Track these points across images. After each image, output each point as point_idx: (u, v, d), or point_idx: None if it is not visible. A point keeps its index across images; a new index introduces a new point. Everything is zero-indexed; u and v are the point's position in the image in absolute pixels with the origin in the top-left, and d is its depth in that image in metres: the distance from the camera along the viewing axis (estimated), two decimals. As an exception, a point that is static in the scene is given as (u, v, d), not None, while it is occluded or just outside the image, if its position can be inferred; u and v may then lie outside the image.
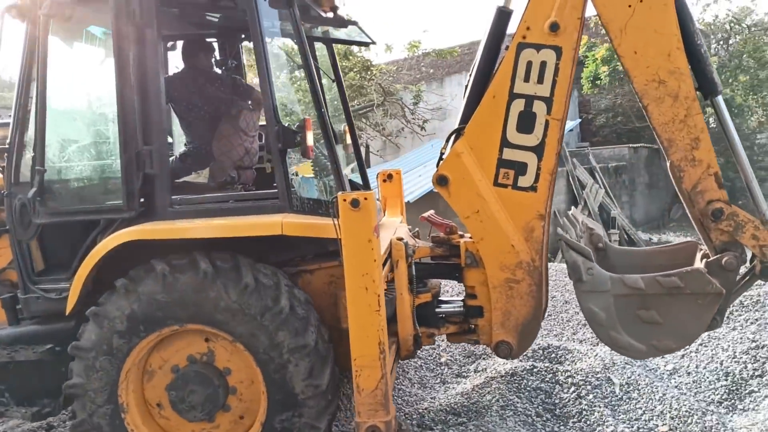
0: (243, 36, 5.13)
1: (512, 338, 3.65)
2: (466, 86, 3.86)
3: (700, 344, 5.27)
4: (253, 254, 3.53)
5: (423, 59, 21.04)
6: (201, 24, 4.75)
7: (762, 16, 19.18)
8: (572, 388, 4.72)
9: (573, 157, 16.53)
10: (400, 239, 3.75)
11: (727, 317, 5.42)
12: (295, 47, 3.88)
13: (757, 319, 5.55)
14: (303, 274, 3.81)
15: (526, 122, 3.59)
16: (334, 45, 4.95)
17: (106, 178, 3.86)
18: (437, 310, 3.97)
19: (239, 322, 3.40)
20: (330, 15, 4.53)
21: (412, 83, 20.87)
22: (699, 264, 3.56)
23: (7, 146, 3.71)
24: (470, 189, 3.65)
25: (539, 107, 3.58)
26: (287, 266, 3.76)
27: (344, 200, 3.18)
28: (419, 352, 5.11)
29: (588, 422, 4.35)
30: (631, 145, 19.03)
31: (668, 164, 3.50)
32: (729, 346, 5.10)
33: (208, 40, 4.92)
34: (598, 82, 19.01)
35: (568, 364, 5.13)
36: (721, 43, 18.53)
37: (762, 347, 4.93)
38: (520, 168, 3.63)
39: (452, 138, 3.75)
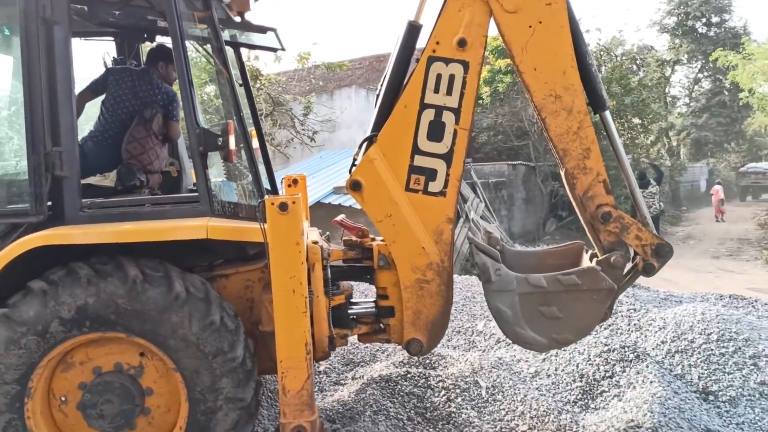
0: (145, 36, 5.00)
1: (423, 336, 3.81)
2: (378, 95, 4.02)
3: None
4: (168, 258, 3.45)
5: (313, 71, 21.12)
6: (107, 23, 4.58)
7: (630, 47, 20.94)
8: (443, 392, 4.94)
9: (457, 171, 17.21)
10: (315, 242, 3.82)
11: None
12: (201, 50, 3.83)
13: (609, 325, 6.06)
14: (218, 279, 3.76)
15: (436, 131, 3.79)
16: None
17: (10, 180, 3.63)
18: (349, 311, 4.06)
19: (189, 354, 3.32)
20: (237, 19, 4.53)
21: (301, 95, 20.89)
22: (587, 263, 3.91)
23: None
24: (383, 194, 3.79)
25: (448, 117, 3.80)
26: (202, 271, 3.70)
27: (272, 204, 3.22)
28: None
29: (456, 424, 4.56)
30: (510, 162, 20.11)
31: (563, 172, 3.83)
32: (584, 349, 5.47)
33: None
34: (480, 101, 19.94)
35: (441, 369, 5.33)
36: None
37: (612, 350, 5.35)
38: (431, 174, 3.82)
39: (365, 145, 3.89)
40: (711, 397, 4.92)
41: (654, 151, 18.87)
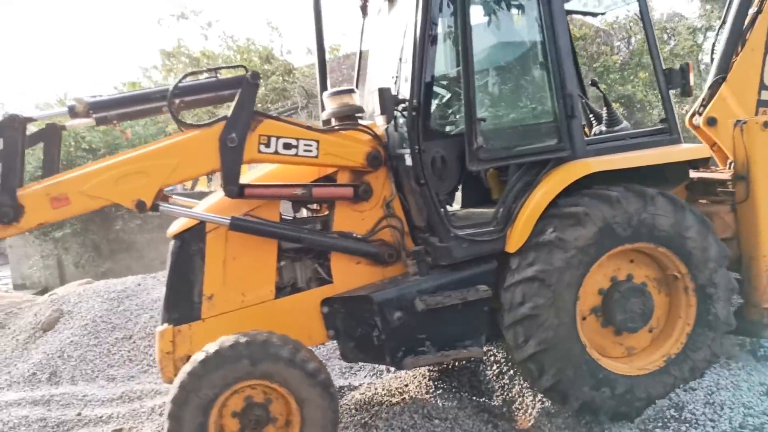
0: None
1: None
2: (713, 44, 4.76)
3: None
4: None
5: (344, 62, 21.56)
6: None
7: (659, 16, 21.61)
8: (495, 366, 5.09)
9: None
10: None
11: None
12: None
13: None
14: None
15: None
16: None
17: (539, 123, 4.16)
18: None
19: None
20: None
21: (334, 85, 21.29)
22: None
23: (407, 106, 3.82)
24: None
25: (793, 56, 4.56)
26: None
27: (756, 123, 3.97)
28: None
29: (510, 395, 4.73)
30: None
31: None
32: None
33: None
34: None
35: (492, 345, 5.30)
36: (624, 41, 20.39)
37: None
38: (776, 105, 4.57)
39: (712, 87, 4.62)
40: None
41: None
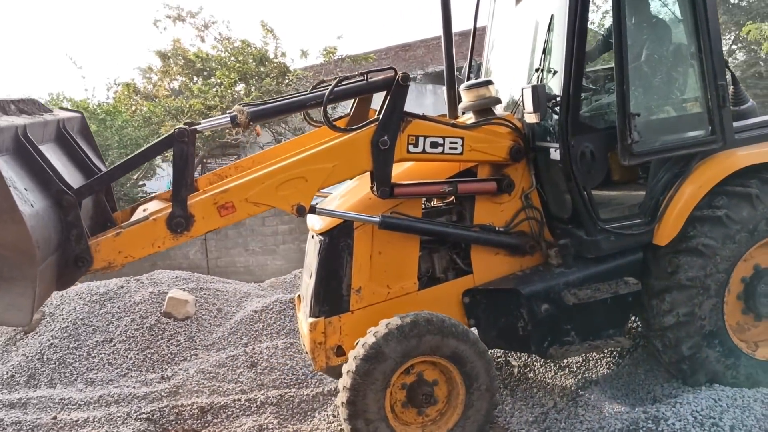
0: None
1: None
2: None
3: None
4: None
5: (339, 65, 21.60)
6: None
7: None
8: None
9: None
10: None
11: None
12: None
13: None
14: None
15: None
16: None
17: (689, 114, 4.25)
18: None
19: None
20: None
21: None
22: None
23: (558, 102, 3.87)
24: None
25: None
26: None
27: None
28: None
29: None
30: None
31: None
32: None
33: None
34: None
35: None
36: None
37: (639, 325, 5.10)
38: None
39: None
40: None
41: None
